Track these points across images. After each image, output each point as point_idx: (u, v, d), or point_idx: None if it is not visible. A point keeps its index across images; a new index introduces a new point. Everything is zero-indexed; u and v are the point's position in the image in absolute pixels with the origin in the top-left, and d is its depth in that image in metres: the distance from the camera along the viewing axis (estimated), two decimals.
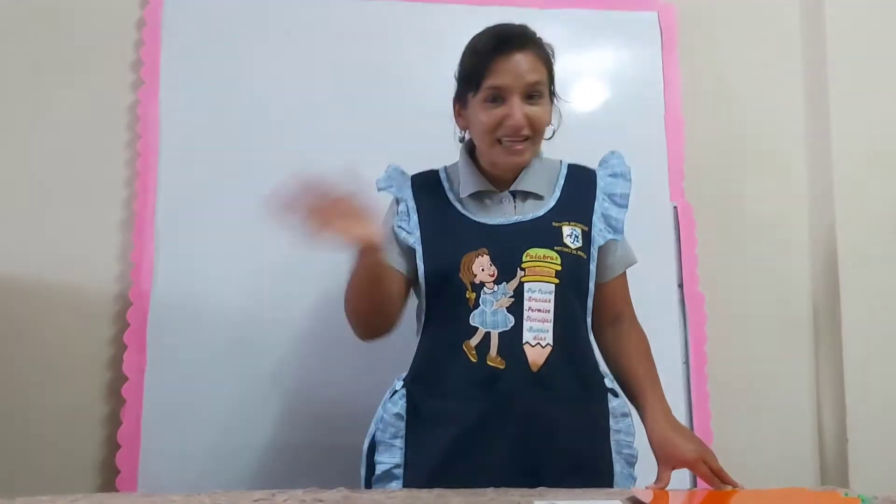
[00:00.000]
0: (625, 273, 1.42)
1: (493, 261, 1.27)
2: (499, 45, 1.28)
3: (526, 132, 1.28)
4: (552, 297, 1.26)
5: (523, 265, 1.27)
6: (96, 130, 1.85)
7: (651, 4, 2.02)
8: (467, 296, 1.27)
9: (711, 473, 1.18)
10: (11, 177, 1.83)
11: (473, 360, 1.25)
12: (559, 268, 1.27)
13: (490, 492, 1.09)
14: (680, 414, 1.83)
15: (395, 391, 1.34)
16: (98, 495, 1.15)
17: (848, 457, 1.88)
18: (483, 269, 1.27)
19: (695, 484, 1.60)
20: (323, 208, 1.16)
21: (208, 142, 1.83)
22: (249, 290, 1.79)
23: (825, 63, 2.00)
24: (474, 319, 1.26)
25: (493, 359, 1.24)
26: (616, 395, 1.34)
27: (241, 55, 1.88)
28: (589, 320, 1.36)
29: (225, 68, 1.87)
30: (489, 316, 1.26)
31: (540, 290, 1.26)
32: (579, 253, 1.30)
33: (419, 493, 1.11)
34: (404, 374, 1.36)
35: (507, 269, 1.27)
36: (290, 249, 1.78)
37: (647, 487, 1.16)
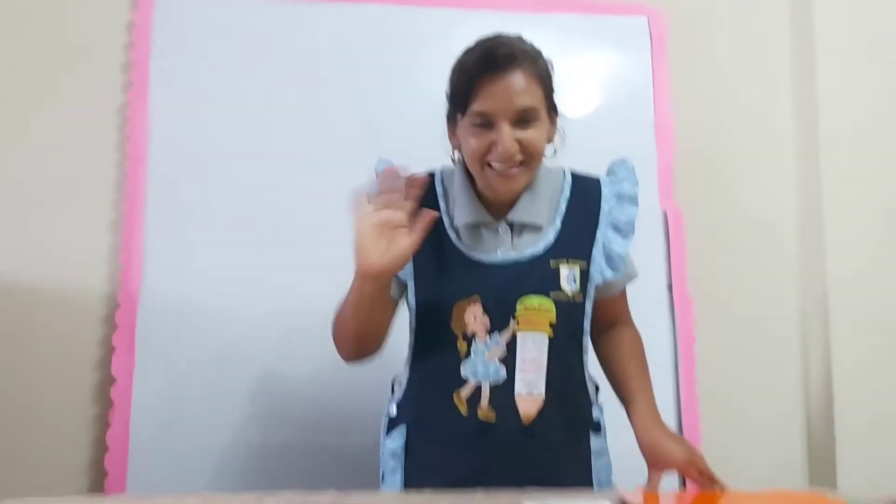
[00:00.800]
0: (625, 289, 1.40)
1: (486, 310, 1.22)
2: (486, 65, 1.17)
3: (518, 158, 1.19)
4: (545, 347, 1.22)
5: (517, 315, 1.22)
6: (86, 132, 1.84)
7: (641, 9, 2.03)
8: (458, 346, 1.23)
9: (700, 476, 1.18)
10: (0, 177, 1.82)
11: (464, 413, 1.22)
12: (554, 319, 1.22)
13: (479, 495, 1.09)
14: (669, 416, 1.84)
15: (394, 424, 1.32)
16: (86, 498, 1.15)
17: (836, 458, 1.89)
18: (475, 319, 1.22)
19: (683, 486, 1.61)
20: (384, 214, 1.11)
21: (198, 144, 1.83)
22: (238, 291, 1.78)
23: (814, 67, 2.02)
24: (465, 370, 1.22)
25: (484, 410, 1.21)
26: (596, 431, 1.31)
27: (230, 58, 1.88)
28: (585, 357, 1.32)
29: (214, 71, 1.87)
30: (480, 367, 1.21)
31: (534, 340, 1.22)
32: (576, 297, 1.25)
33: (409, 496, 1.10)
34: (396, 398, 1.34)
35: (500, 318, 1.22)
36: (280, 250, 1.80)
37: (636, 488, 1.17)
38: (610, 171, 1.35)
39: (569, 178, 1.33)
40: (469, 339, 1.22)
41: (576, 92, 1.97)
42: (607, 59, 2.01)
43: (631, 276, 1.38)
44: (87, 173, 1.83)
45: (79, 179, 1.83)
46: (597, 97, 1.98)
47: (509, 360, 1.21)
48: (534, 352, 1.22)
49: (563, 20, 1.99)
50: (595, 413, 1.33)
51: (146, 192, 1.79)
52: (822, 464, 1.95)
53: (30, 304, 1.78)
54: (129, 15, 1.88)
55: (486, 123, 1.18)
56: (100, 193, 1.83)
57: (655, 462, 1.21)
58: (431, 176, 1.33)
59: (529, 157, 1.20)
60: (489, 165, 1.20)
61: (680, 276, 1.93)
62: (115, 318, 1.74)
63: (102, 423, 1.74)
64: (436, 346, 1.26)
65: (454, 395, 1.23)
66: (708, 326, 1.94)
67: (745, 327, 2.01)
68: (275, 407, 1.75)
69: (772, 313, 2.03)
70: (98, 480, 1.72)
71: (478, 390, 1.22)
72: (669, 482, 1.20)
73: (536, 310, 1.22)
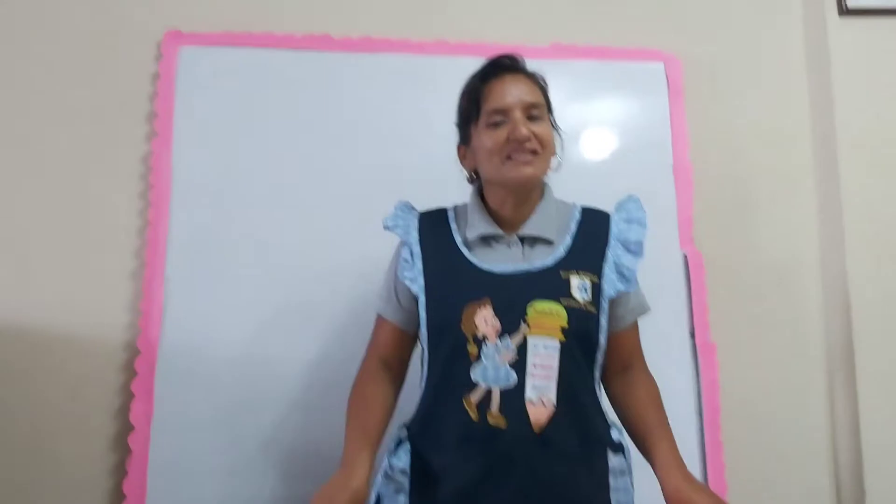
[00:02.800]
0: (636, 322, 1.40)
1: (497, 313, 1.23)
2: (492, 71, 1.32)
3: (532, 145, 1.27)
4: (557, 353, 1.22)
5: (527, 318, 1.23)
6: (109, 180, 1.87)
7: (657, 55, 2.05)
8: (469, 349, 1.23)
9: None
10: (23, 223, 1.84)
11: (475, 418, 1.21)
12: (565, 324, 1.23)
13: None
14: (693, 465, 1.80)
15: (400, 443, 1.32)
16: None
17: None
18: (486, 322, 1.23)
19: None
20: None
21: (220, 194, 1.85)
22: (256, 341, 1.78)
23: (832, 109, 2.02)
24: (475, 374, 1.22)
25: (495, 416, 1.21)
26: (616, 450, 1.30)
27: (253, 108, 1.91)
28: (597, 374, 1.32)
29: (237, 121, 1.89)
30: (491, 371, 1.22)
31: (545, 345, 1.22)
32: (588, 307, 1.26)
33: None
34: (406, 422, 1.34)
35: (510, 321, 1.23)
36: (298, 304, 1.80)
37: None
38: (618, 205, 1.40)
39: (579, 207, 1.40)
40: (480, 343, 1.23)
41: (595, 136, 1.98)
42: (625, 104, 2.02)
43: (643, 310, 1.40)
44: (109, 221, 1.86)
45: (101, 227, 1.85)
46: (615, 142, 1.99)
47: (520, 364, 1.22)
48: (545, 357, 1.22)
49: (581, 66, 2.01)
50: (614, 434, 1.31)
51: (168, 240, 1.81)
52: None
53: (50, 351, 1.79)
54: (154, 65, 1.92)
55: (500, 121, 1.28)
56: (122, 241, 1.85)
57: None
58: (444, 210, 1.41)
59: (542, 147, 1.29)
60: (508, 158, 1.28)
61: (702, 322, 1.90)
62: (135, 365, 1.74)
63: (120, 471, 1.73)
64: (447, 350, 1.26)
65: (464, 399, 1.22)
66: (732, 373, 1.91)
67: (770, 373, 1.97)
68: (292, 457, 1.73)
69: (796, 358, 1.99)
70: None
71: (488, 395, 1.22)
72: None
73: (547, 314, 1.23)
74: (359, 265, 1.79)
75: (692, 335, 1.90)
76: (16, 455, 1.75)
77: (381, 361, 1.38)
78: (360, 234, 1.79)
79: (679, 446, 1.30)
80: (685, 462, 1.27)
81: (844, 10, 2.04)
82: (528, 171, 1.28)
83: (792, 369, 1.99)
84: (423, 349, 1.35)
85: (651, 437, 1.29)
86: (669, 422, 1.33)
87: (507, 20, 2.05)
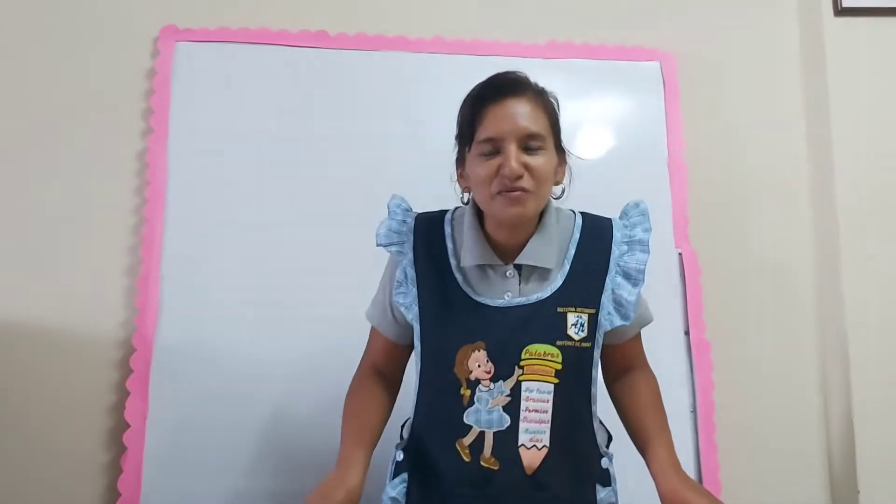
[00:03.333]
0: (639, 332, 1.39)
1: (491, 356, 1.20)
2: (491, 93, 1.20)
3: (524, 183, 1.17)
4: (551, 396, 1.20)
5: (522, 363, 1.20)
6: (105, 177, 1.87)
7: (653, 55, 2.05)
8: (462, 392, 1.21)
9: None
10: (18, 220, 1.84)
11: (467, 459, 1.21)
12: (559, 366, 1.21)
13: None
14: (688, 464, 1.80)
15: (399, 470, 1.30)
16: None
17: (859, 503, 1.85)
18: (479, 366, 1.21)
19: None
20: None
21: (215, 190, 1.85)
22: (252, 337, 1.78)
23: (828, 108, 2.02)
24: (468, 418, 1.21)
25: (487, 459, 1.20)
26: (605, 484, 1.29)
27: (249, 105, 1.90)
28: (594, 408, 1.29)
29: (233, 118, 1.89)
30: (484, 415, 1.20)
31: (538, 389, 1.20)
32: (583, 344, 1.23)
33: None
34: (400, 442, 1.33)
35: (504, 365, 1.20)
36: (293, 301, 1.80)
37: None
38: (623, 214, 1.34)
39: (579, 221, 1.31)
40: (473, 386, 1.21)
41: (590, 136, 1.99)
42: (621, 103, 2.03)
43: (645, 321, 1.37)
44: (104, 218, 1.85)
45: (96, 224, 1.85)
46: (610, 141, 1.99)
47: (513, 407, 1.20)
48: (538, 401, 1.20)
49: (577, 66, 2.01)
50: (604, 463, 1.30)
51: (163, 237, 1.81)
52: None
53: (45, 348, 1.79)
54: (150, 62, 1.92)
55: (494, 151, 1.18)
56: (117, 238, 1.85)
57: None
58: (441, 222, 1.33)
59: (536, 183, 1.18)
60: (499, 194, 1.18)
61: (697, 320, 1.91)
62: (130, 362, 1.74)
63: (115, 468, 1.73)
64: (439, 392, 1.25)
65: (457, 442, 1.22)
66: (726, 371, 1.92)
67: (765, 371, 1.98)
68: (287, 453, 1.73)
69: (791, 357, 2.00)
70: None
71: (481, 438, 1.21)
72: None
73: (542, 357, 1.21)
74: (353, 262, 1.79)
75: (687, 333, 1.90)
76: (10, 452, 1.74)
77: (376, 369, 1.37)
78: (355, 230, 1.77)
79: (674, 444, 1.30)
80: (680, 461, 1.27)
81: (839, 10, 2.04)
82: (515, 210, 1.19)
83: (786, 367, 1.99)
84: (417, 372, 1.33)
85: (648, 439, 1.29)
86: (668, 423, 1.32)
87: (503, 18, 2.05)
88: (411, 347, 1.35)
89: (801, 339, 2.02)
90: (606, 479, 1.30)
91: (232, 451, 1.73)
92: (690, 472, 1.80)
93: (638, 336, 1.38)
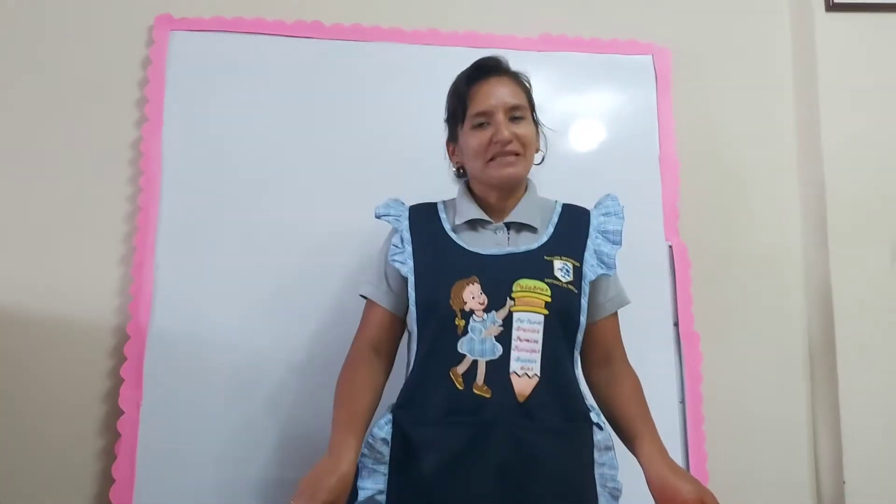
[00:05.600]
0: (616, 314, 1.43)
1: (484, 289, 1.29)
2: (476, 74, 1.38)
3: (515, 147, 1.34)
4: (541, 327, 1.28)
5: (513, 295, 1.28)
6: (99, 165, 1.87)
7: (645, 48, 2.06)
8: (456, 322, 1.28)
9: None
10: (13, 208, 1.84)
11: (460, 387, 1.26)
12: (549, 299, 1.29)
13: None
14: (676, 454, 1.82)
15: (382, 417, 1.34)
16: None
17: (845, 498, 1.87)
18: (473, 297, 1.29)
19: None
20: None
21: (209, 179, 1.85)
22: (247, 325, 1.79)
23: (818, 101, 2.04)
24: (462, 347, 1.27)
25: (480, 387, 1.25)
26: (601, 428, 1.33)
27: (243, 94, 1.91)
28: (577, 355, 1.37)
29: (228, 107, 1.89)
30: (477, 344, 1.27)
31: (529, 320, 1.28)
32: (570, 287, 1.31)
33: None
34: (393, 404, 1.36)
35: (497, 297, 1.28)
36: (287, 289, 1.81)
37: None
38: (597, 203, 1.46)
39: (560, 203, 1.46)
40: (467, 317, 1.28)
41: (582, 129, 1.99)
42: (613, 96, 2.03)
43: (623, 301, 1.44)
44: (99, 206, 1.86)
45: (91, 212, 1.86)
46: (603, 134, 2.00)
47: (505, 338, 1.27)
48: (529, 331, 1.27)
49: (569, 59, 2.02)
50: (594, 417, 1.34)
51: (157, 225, 1.81)
52: (831, 502, 1.92)
53: (39, 336, 1.80)
54: (145, 51, 1.92)
55: (485, 123, 1.36)
56: (111, 226, 1.85)
57: (665, 499, 1.22)
58: (434, 203, 1.46)
59: (524, 148, 1.36)
60: (492, 160, 1.35)
61: (686, 313, 1.93)
62: (124, 350, 1.75)
63: (109, 455, 1.74)
64: (435, 325, 1.31)
65: (451, 371, 1.27)
66: (715, 363, 1.94)
67: (753, 364, 2.00)
68: (281, 442, 1.75)
69: (779, 349, 2.03)
70: None
71: (474, 367, 1.26)
72: None
73: (532, 290, 1.29)
74: (349, 250, 1.81)
75: (676, 325, 1.92)
76: (5, 439, 1.75)
77: (370, 346, 1.40)
78: (351, 219, 1.79)
79: (661, 436, 1.33)
80: (668, 451, 1.30)
81: (831, 5, 2.06)
82: (510, 171, 1.35)
83: (774, 360, 2.02)
84: (409, 333, 1.38)
85: (634, 429, 1.33)
86: (651, 414, 1.36)
87: (497, 11, 2.06)
88: (404, 322, 1.41)
89: (789, 332, 2.04)
90: (600, 426, 1.33)
91: (226, 438, 1.74)
92: (678, 461, 1.81)
93: (615, 319, 1.44)
